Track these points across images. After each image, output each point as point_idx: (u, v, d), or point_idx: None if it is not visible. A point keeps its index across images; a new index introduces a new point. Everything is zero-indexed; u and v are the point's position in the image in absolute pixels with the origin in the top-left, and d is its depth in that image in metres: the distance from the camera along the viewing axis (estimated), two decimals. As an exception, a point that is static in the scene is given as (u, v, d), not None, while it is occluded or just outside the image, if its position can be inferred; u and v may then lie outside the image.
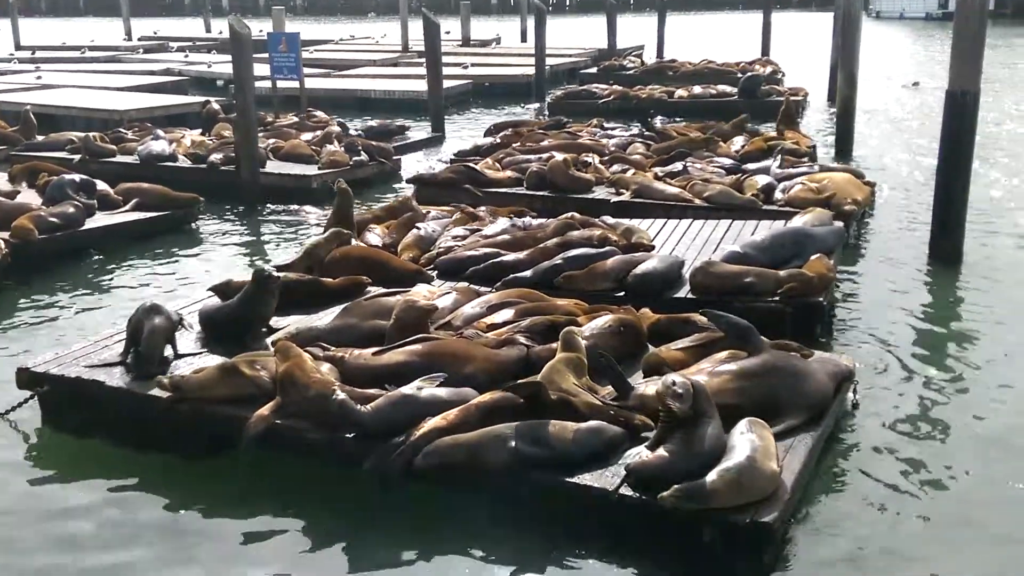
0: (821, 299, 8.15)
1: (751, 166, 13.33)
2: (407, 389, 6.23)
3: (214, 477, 6.52)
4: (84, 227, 11.79)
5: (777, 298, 8.06)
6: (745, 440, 5.40)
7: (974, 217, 11.57)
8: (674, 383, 5.48)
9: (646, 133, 17.12)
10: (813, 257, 8.48)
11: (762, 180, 12.22)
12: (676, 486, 5.03)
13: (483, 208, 11.50)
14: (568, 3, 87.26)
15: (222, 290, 8.29)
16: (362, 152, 16.46)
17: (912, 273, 10.55)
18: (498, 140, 17.02)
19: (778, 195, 11.84)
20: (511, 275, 8.77)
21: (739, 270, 8.35)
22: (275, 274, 7.78)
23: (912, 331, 8.81)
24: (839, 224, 10.10)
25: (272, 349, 6.86)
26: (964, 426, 6.92)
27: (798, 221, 10.07)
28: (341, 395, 6.11)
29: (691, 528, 5.06)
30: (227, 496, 6.27)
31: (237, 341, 7.45)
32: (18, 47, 42.49)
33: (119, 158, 16.17)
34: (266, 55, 20.64)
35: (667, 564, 5.18)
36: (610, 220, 10.49)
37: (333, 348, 6.97)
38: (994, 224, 12.56)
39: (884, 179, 14.90)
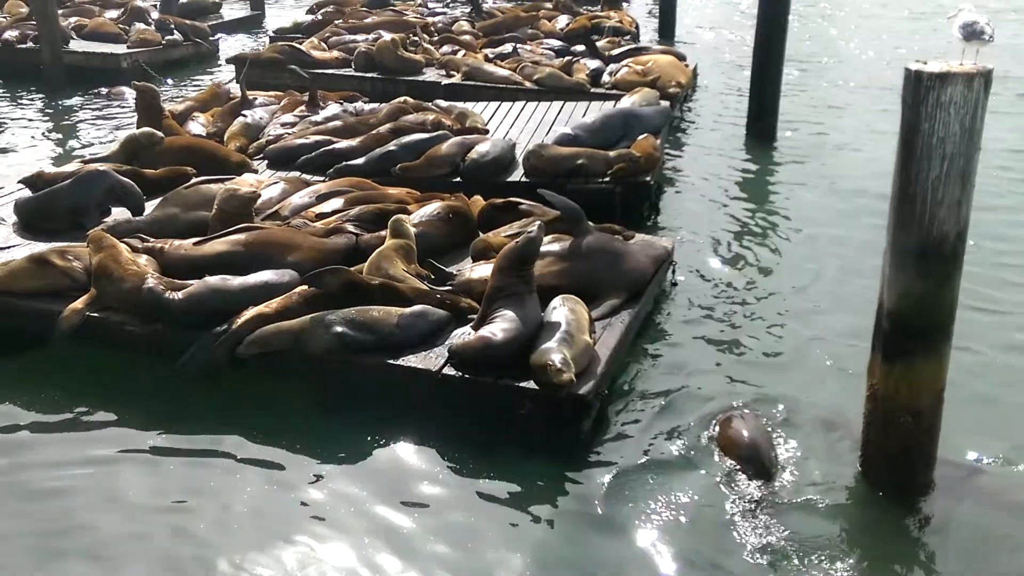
0: (648, 179, 8.41)
1: (578, 49, 13.40)
2: (225, 276, 6.07)
3: (26, 376, 6.20)
4: None
5: (607, 179, 8.26)
6: (560, 315, 5.60)
7: (788, 98, 12.12)
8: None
9: (474, 10, 16.86)
10: (640, 137, 8.70)
11: (591, 63, 12.35)
12: (562, 370, 5.06)
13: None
14: None
15: (33, 182, 7.77)
16: (175, 31, 15.53)
17: (731, 153, 11.01)
18: (320, 18, 16.39)
19: (606, 78, 12.02)
20: (344, 163, 8.59)
21: (570, 152, 8.47)
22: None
23: (729, 209, 9.24)
24: (665, 104, 10.36)
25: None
26: (775, 299, 7.34)
27: (626, 102, 10.27)
28: (151, 282, 5.91)
29: (511, 402, 5.25)
30: (42, 394, 5.98)
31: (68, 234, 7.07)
32: None
33: None
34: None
35: (490, 438, 5.34)
36: (443, 104, 10.37)
37: (152, 239, 6.69)
38: (806, 104, 13.21)
39: (707, 61, 15.32)
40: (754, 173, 10.41)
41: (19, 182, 8.02)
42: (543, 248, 6.32)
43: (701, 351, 6.48)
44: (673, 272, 7.30)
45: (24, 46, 14.22)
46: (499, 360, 5.40)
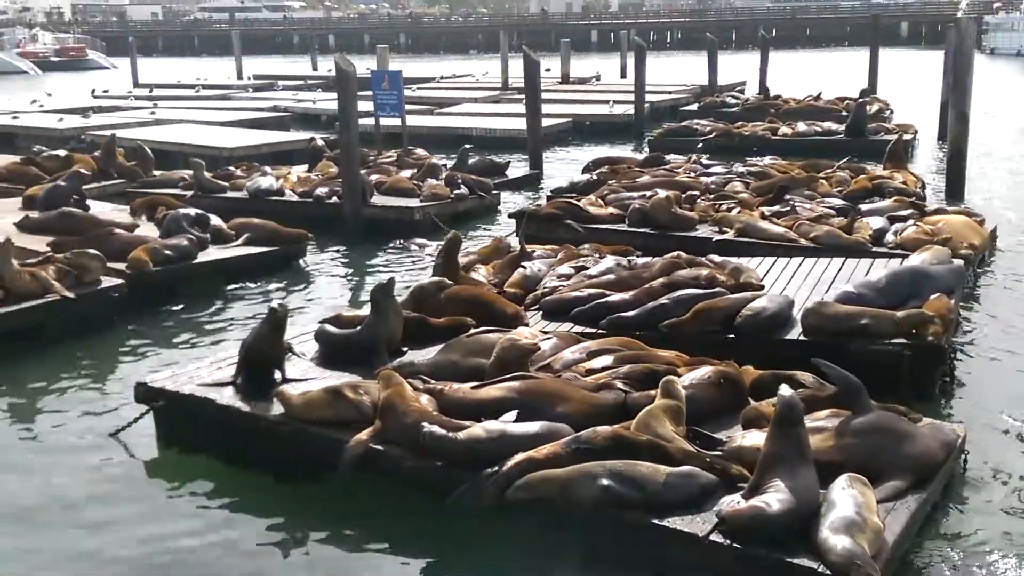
0: (942, 343, 7.82)
1: (864, 207, 12.95)
2: (502, 423, 6.30)
3: (312, 498, 6.73)
4: (197, 260, 12.14)
5: (897, 340, 7.75)
6: (849, 496, 5.28)
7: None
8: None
9: (748, 170, 16.82)
10: (932, 297, 8.18)
11: (875, 223, 11.87)
12: (859, 567, 4.80)
13: (587, 246, 11.45)
14: (669, 41, 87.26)
15: (332, 323, 8.48)
16: (462, 186, 16.65)
17: (1032, 321, 10.07)
18: (595, 177, 16.98)
19: (890, 237, 11.47)
20: (616, 315, 8.67)
21: (854, 311, 8.08)
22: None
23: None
24: (959, 262, 9.72)
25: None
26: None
27: (915, 259, 9.74)
28: (430, 427, 6.17)
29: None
30: (323, 518, 6.47)
31: (358, 365, 7.73)
32: (136, 84, 44.57)
33: (229, 193, 16.65)
34: (370, 92, 21.02)
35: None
36: (717, 259, 10.30)
37: (433, 381, 7.06)
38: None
39: (1000, 222, 14.30)
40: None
41: (320, 323, 8.74)
42: (821, 422, 6.04)
43: (995, 548, 5.79)
44: (965, 461, 6.66)
45: (331, 201, 15.74)
46: (771, 532, 5.15)
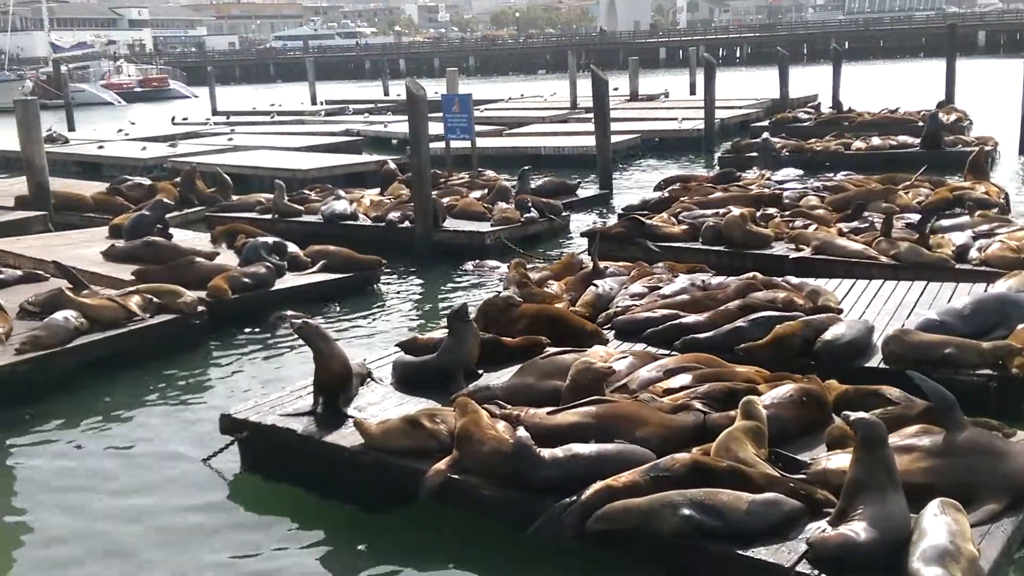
0: (1029, 374, 7.57)
1: (945, 222, 12.63)
2: (587, 445, 6.24)
3: (392, 528, 6.73)
4: (274, 288, 12.36)
5: (984, 371, 7.53)
6: (940, 523, 5.09)
7: None
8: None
9: (824, 185, 16.54)
10: (1020, 327, 7.92)
11: (957, 238, 11.56)
12: None
13: (660, 264, 11.36)
14: (738, 56, 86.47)
15: (409, 346, 8.54)
16: (532, 209, 16.67)
17: None
18: (666, 195, 16.87)
19: (973, 254, 11.16)
20: (690, 337, 8.57)
21: (937, 340, 7.87)
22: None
23: None
24: (1049, 288, 9.38)
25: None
26: None
27: (1001, 286, 9.42)
28: (522, 433, 6.17)
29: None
30: (404, 548, 6.47)
31: (435, 389, 7.79)
32: (215, 112, 45.83)
33: (305, 217, 16.95)
34: (441, 115, 21.23)
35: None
36: (794, 280, 10.13)
37: (509, 406, 7.04)
38: None
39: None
40: None
41: (396, 346, 8.83)
42: (911, 440, 5.87)
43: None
44: None
45: (403, 226, 15.90)
46: (860, 562, 5.01)
